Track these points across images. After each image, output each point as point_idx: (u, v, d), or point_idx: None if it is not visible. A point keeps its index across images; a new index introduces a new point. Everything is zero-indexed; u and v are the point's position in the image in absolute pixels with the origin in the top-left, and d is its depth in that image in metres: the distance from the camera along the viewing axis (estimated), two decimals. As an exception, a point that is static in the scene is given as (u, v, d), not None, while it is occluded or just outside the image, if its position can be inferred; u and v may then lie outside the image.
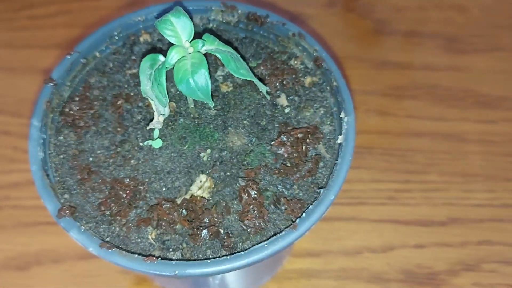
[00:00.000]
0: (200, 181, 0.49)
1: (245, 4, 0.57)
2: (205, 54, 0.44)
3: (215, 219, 0.46)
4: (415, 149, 0.78)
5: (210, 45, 0.44)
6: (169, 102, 0.51)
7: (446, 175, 0.75)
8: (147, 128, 0.50)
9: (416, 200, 0.74)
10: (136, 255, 0.43)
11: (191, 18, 0.44)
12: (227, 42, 0.57)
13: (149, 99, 0.46)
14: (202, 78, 0.41)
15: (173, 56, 0.42)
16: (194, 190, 0.49)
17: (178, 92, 0.54)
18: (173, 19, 0.43)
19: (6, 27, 0.92)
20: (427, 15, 0.92)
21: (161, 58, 0.44)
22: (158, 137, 0.50)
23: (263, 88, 0.48)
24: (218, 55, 0.44)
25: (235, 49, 0.55)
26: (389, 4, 0.94)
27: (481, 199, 0.73)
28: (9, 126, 0.82)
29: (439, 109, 0.81)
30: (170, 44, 0.43)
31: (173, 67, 0.43)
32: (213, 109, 0.52)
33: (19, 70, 0.87)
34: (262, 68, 0.55)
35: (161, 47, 0.57)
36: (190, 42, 0.43)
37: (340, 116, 0.49)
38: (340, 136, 0.48)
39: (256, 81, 0.46)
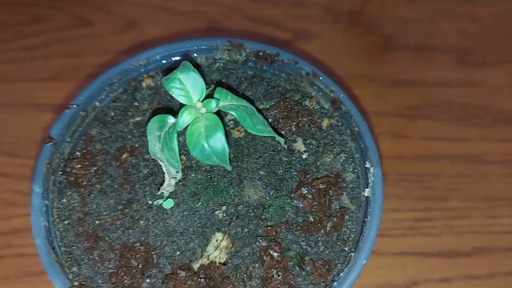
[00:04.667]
0: (216, 240, 0.46)
1: (252, 41, 0.53)
2: (217, 111, 0.40)
3: (237, 289, 0.42)
4: (434, 173, 0.74)
5: (223, 101, 0.40)
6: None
7: (468, 201, 0.72)
8: (158, 193, 0.46)
9: (438, 230, 0.70)
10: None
11: (199, 70, 0.40)
12: (232, 88, 0.53)
13: (158, 160, 0.42)
14: (218, 142, 0.38)
15: (185, 118, 0.38)
16: (211, 251, 0.45)
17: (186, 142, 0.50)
18: (182, 76, 0.39)
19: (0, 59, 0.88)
20: (437, 27, 0.88)
21: (170, 119, 0.40)
22: (168, 196, 0.47)
23: (281, 140, 0.45)
24: (233, 113, 0.40)
25: (244, 91, 0.52)
26: (395, 17, 0.90)
27: (507, 226, 0.69)
28: (7, 167, 0.77)
29: (456, 128, 0.78)
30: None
31: (185, 128, 0.39)
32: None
33: (15, 106, 0.83)
34: (275, 110, 0.51)
35: (166, 91, 0.53)
36: (202, 101, 0.39)
37: (365, 166, 0.46)
38: (366, 190, 0.45)
39: (274, 135, 0.42)
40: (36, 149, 0.77)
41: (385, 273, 0.67)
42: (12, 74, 0.87)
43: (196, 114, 0.39)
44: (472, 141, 0.76)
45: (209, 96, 0.41)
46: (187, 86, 0.39)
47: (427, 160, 0.75)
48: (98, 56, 0.86)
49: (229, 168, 0.40)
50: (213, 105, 0.39)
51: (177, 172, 0.43)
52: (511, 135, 0.76)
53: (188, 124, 0.39)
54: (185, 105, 0.39)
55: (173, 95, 0.39)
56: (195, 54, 0.53)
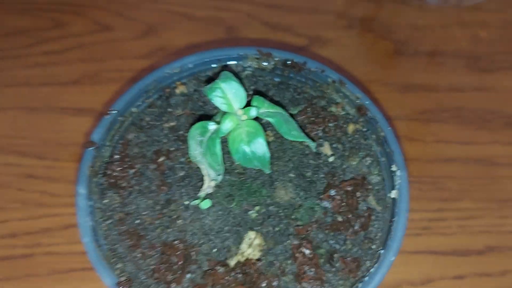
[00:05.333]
0: (249, 239, 0.48)
1: (281, 50, 0.56)
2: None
3: (272, 284, 0.45)
4: (447, 175, 0.77)
5: (261, 108, 0.43)
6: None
7: (480, 202, 0.74)
8: (199, 194, 0.49)
9: (452, 229, 0.73)
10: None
11: (239, 79, 0.43)
12: (262, 92, 0.56)
13: (198, 163, 0.45)
14: (259, 147, 0.41)
15: (227, 125, 0.41)
16: (244, 248, 0.48)
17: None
18: (224, 85, 0.42)
19: (22, 64, 0.90)
20: (449, 33, 0.91)
21: (212, 126, 0.43)
22: (205, 197, 0.50)
23: (312, 145, 0.47)
24: (270, 120, 0.43)
25: (271, 98, 0.55)
26: (407, 24, 0.93)
27: (517, 225, 0.72)
28: (34, 169, 0.80)
29: (468, 132, 0.81)
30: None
31: (227, 135, 0.42)
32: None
33: (39, 109, 0.86)
34: (302, 116, 0.54)
35: (198, 98, 0.56)
36: (243, 109, 0.42)
37: (391, 169, 0.48)
38: (393, 191, 0.48)
39: (308, 141, 0.45)
40: (62, 151, 0.80)
41: (401, 270, 0.70)
42: (34, 79, 0.90)
43: (237, 121, 0.42)
44: (484, 144, 0.79)
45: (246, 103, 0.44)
46: (228, 94, 0.42)
47: (440, 163, 0.78)
48: (119, 61, 0.89)
49: (268, 171, 0.43)
50: (253, 112, 0.41)
51: (219, 175, 0.46)
52: (521, 139, 0.79)
53: (230, 130, 0.42)
54: (225, 112, 0.42)
55: (216, 104, 0.42)
56: (228, 62, 0.56)
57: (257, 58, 0.56)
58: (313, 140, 0.51)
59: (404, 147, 0.80)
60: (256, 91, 0.55)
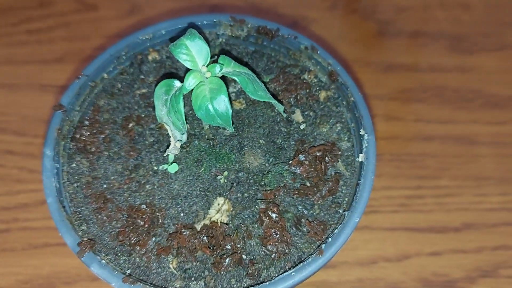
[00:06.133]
0: (218, 204, 0.48)
1: (254, 17, 0.56)
2: (221, 76, 0.43)
3: (237, 246, 0.45)
4: (426, 153, 0.77)
5: (227, 67, 0.43)
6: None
7: (459, 180, 0.74)
8: (164, 155, 0.49)
9: (429, 206, 0.73)
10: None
11: (205, 39, 0.42)
12: (237, 58, 0.56)
13: (164, 125, 0.44)
14: (222, 104, 0.40)
15: (191, 81, 0.41)
16: (212, 213, 0.48)
17: (191, 112, 0.52)
18: (188, 42, 0.41)
19: (5, 42, 0.90)
20: (431, 15, 0.91)
21: (177, 83, 0.43)
22: (173, 161, 0.49)
23: (280, 108, 0.47)
24: (236, 78, 0.42)
25: (246, 64, 0.54)
26: (391, 5, 0.93)
27: (495, 203, 0.72)
28: (13, 145, 0.80)
29: (448, 111, 0.81)
30: (180, 63, 0.42)
31: (191, 93, 0.42)
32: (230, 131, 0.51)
33: (21, 87, 0.85)
34: (275, 83, 0.54)
35: (170, 65, 0.56)
36: (207, 66, 0.41)
37: (360, 133, 0.48)
38: (361, 155, 0.47)
39: (274, 102, 0.45)
40: (41, 128, 0.79)
41: (377, 247, 0.70)
42: (18, 57, 0.90)
43: (201, 78, 0.41)
44: (463, 123, 0.79)
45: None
46: (192, 51, 0.41)
47: (420, 141, 0.78)
48: (103, 39, 0.88)
49: (231, 129, 0.43)
50: (217, 69, 0.41)
51: (182, 134, 0.45)
52: (500, 118, 0.79)
53: (194, 87, 0.41)
54: (190, 70, 0.42)
55: (180, 60, 0.41)
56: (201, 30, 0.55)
57: (230, 25, 0.56)
58: (281, 103, 0.51)
59: (384, 126, 0.80)
60: (223, 51, 0.55)
